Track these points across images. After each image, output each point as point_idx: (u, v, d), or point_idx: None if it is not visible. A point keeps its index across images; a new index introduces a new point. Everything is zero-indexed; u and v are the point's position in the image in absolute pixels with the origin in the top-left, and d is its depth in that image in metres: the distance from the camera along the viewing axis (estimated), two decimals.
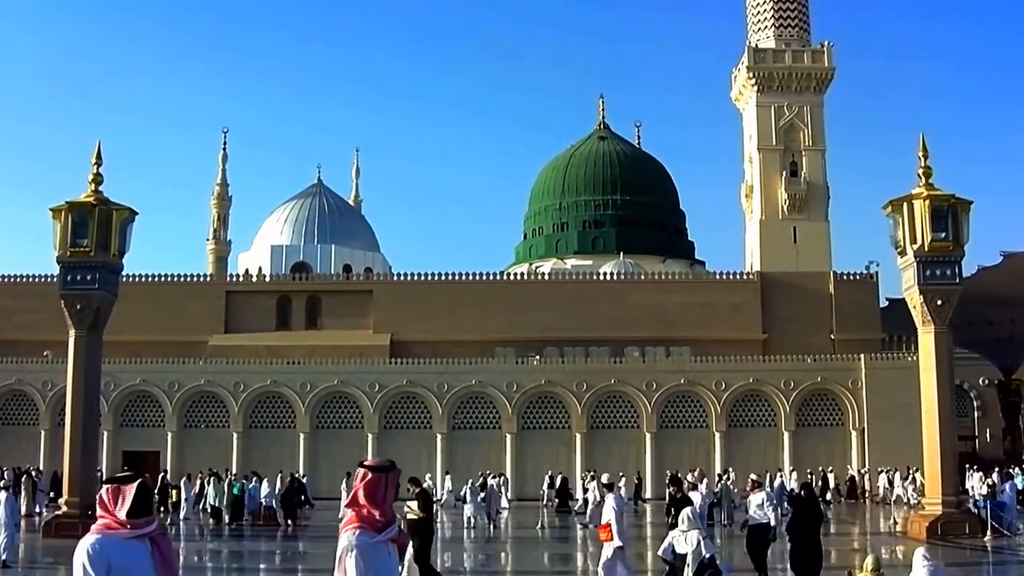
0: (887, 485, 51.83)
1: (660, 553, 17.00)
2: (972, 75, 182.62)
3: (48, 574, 24.93)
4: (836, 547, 30.37)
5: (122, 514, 5.63)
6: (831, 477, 53.53)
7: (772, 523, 19.55)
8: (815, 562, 18.17)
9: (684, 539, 15.73)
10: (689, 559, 15.50)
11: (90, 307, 30.51)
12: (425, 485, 21.75)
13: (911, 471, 48.88)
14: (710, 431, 58.09)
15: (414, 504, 18.92)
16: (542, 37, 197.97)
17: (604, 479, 21.22)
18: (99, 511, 5.73)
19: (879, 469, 53.61)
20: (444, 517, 39.26)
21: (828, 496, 49.72)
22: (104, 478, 6.23)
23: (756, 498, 19.68)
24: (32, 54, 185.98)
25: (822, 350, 62.94)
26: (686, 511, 16.37)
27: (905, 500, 48.26)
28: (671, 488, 24.88)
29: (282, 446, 57.19)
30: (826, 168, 75.33)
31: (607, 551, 17.13)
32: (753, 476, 21.10)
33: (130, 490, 5.69)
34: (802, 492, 19.90)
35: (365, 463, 6.20)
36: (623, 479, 44.35)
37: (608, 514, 17.47)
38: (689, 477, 37.48)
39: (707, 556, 15.33)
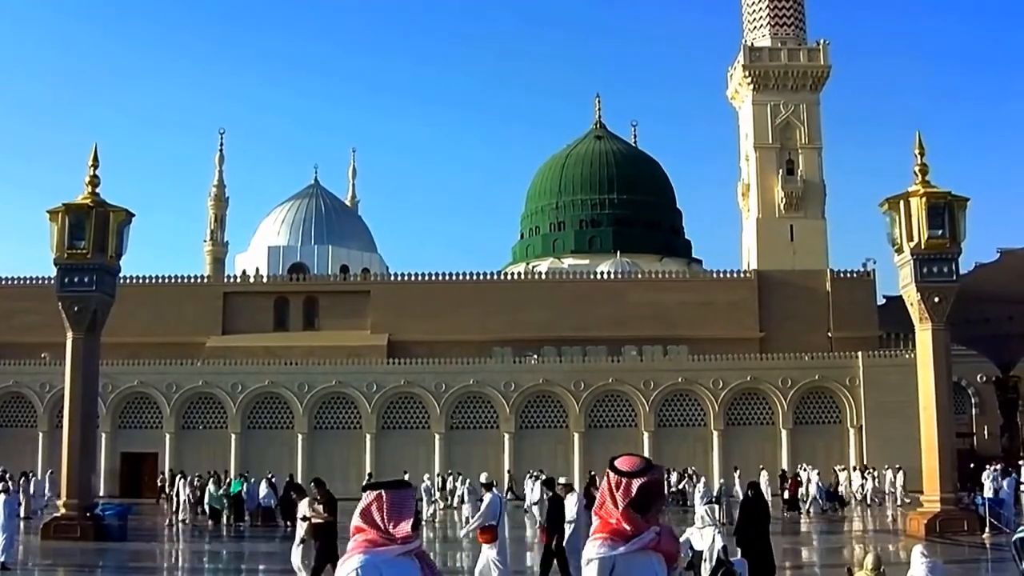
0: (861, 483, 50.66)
1: None
2: (968, 72, 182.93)
3: None
4: (835, 546, 30.49)
5: (404, 528, 4.93)
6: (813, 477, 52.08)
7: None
8: (767, 569, 17.27)
9: (701, 536, 15.83)
10: (706, 555, 15.60)
11: (87, 309, 30.49)
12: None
13: (871, 471, 48.65)
14: (708, 429, 58.14)
15: (319, 507, 18.68)
16: (538, 37, 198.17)
17: (483, 478, 19.97)
18: (359, 522, 4.99)
19: (838, 468, 52.70)
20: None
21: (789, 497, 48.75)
22: (365, 484, 5.01)
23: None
24: (28, 55, 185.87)
25: (819, 348, 63.02)
26: (702, 509, 16.40)
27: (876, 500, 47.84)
28: (544, 489, 23.71)
29: (280, 447, 57.21)
30: (822, 166, 75.40)
31: (489, 552, 16.78)
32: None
33: (410, 500, 5.04)
34: (749, 492, 18.68)
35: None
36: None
37: (483, 514, 17.10)
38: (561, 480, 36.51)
39: (719, 549, 15.40)
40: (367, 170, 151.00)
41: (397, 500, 4.96)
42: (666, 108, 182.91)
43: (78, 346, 30.53)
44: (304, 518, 18.61)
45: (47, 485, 44.91)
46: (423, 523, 36.64)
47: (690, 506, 48.52)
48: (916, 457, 32.88)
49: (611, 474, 5.27)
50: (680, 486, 51.12)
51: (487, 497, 17.52)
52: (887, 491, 49.19)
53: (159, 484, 52.71)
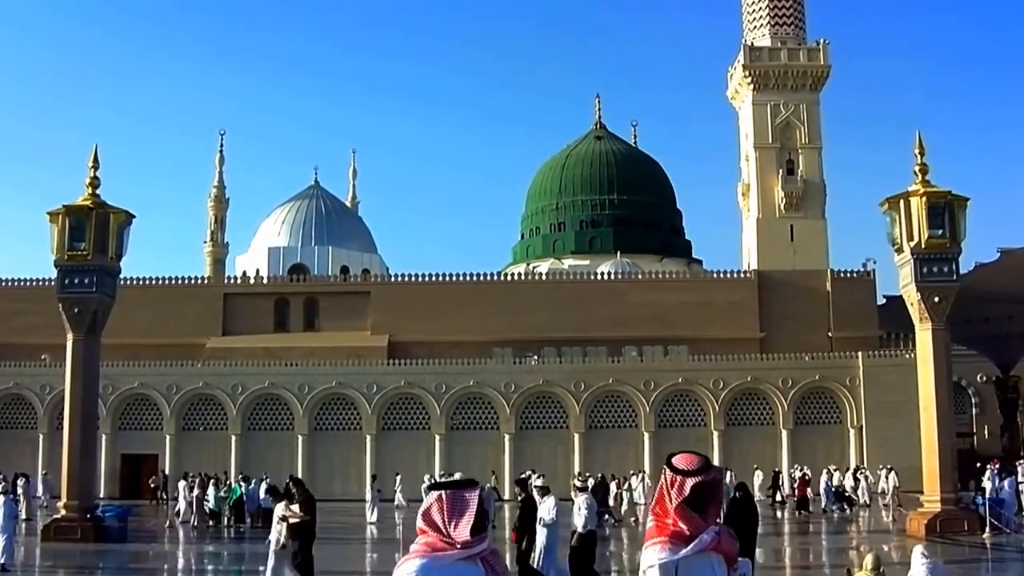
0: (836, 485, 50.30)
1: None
2: (969, 72, 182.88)
3: None
4: (832, 546, 30.48)
5: (464, 532, 4.62)
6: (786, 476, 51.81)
7: (591, 528, 17.98)
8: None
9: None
10: None
11: (88, 310, 30.49)
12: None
13: (862, 471, 48.49)
14: (708, 430, 58.12)
15: (296, 507, 18.56)
16: (538, 37, 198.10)
17: (456, 476, 19.65)
18: (421, 524, 4.71)
19: (832, 468, 52.66)
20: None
21: (779, 497, 48.82)
22: (430, 484, 4.64)
23: (580, 501, 18.06)
24: (28, 56, 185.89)
25: (820, 348, 63.04)
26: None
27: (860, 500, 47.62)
28: (516, 489, 23.29)
29: (280, 448, 57.23)
30: (823, 166, 75.36)
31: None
32: (576, 481, 19.81)
33: (472, 500, 4.70)
34: (737, 494, 18.11)
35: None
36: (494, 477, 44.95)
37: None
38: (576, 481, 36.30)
39: None
40: (367, 171, 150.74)
41: (458, 501, 4.68)
42: (666, 108, 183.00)
43: (78, 347, 30.53)
44: (282, 518, 18.50)
45: (40, 487, 44.97)
46: (491, 524, 36.37)
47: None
48: (916, 457, 32.86)
49: (667, 471, 5.09)
50: None
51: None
52: (879, 491, 48.93)
53: (151, 486, 52.62)
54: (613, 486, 40.72)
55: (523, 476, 20.18)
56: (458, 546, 4.60)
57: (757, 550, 18.28)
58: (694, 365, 59.40)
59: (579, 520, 17.48)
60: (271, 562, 18.66)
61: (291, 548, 18.35)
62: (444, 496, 4.69)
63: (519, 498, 20.12)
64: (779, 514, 44.24)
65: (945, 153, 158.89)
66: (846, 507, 45.06)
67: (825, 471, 47.72)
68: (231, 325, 67.63)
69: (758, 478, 50.40)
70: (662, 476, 5.09)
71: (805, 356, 59.94)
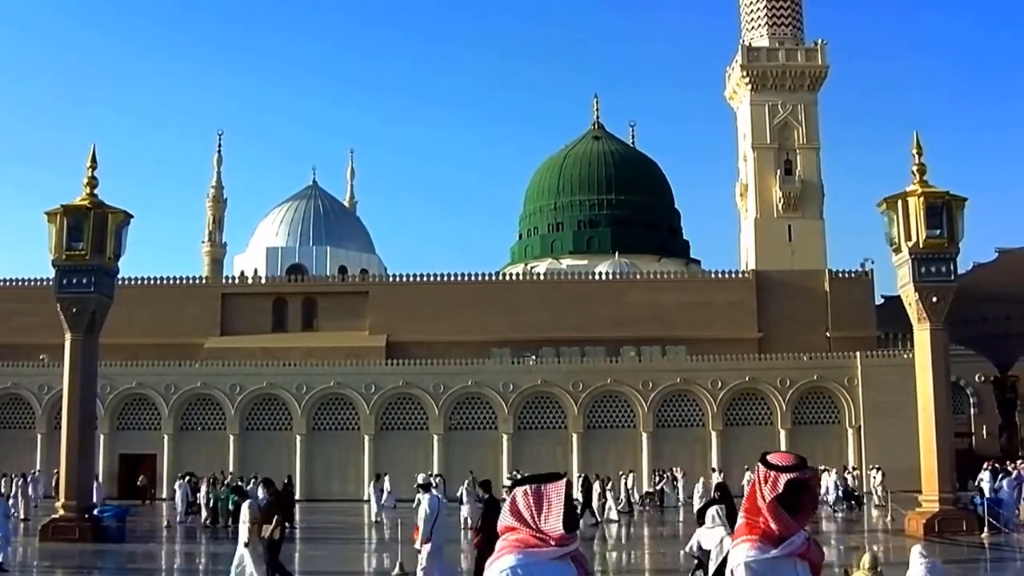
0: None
1: (687, 549, 17.18)
2: (966, 72, 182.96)
3: None
4: (831, 546, 30.43)
5: (557, 525, 4.38)
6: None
7: None
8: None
9: (710, 535, 15.99)
10: (713, 555, 15.74)
11: (86, 310, 30.48)
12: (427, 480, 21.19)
13: (846, 470, 48.44)
14: (707, 430, 58.13)
15: (271, 524, 18.50)
16: (536, 37, 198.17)
17: (420, 479, 19.41)
18: (509, 521, 4.49)
19: (821, 468, 52.78)
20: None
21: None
22: (517, 478, 4.43)
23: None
24: (26, 56, 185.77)
25: (818, 348, 63.06)
26: (712, 510, 16.45)
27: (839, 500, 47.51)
28: (479, 491, 22.99)
29: (279, 448, 57.18)
30: (820, 166, 75.34)
31: (424, 554, 16.72)
32: (508, 481, 19.56)
33: (558, 493, 4.46)
34: (716, 495, 17.79)
35: None
36: (439, 479, 44.85)
37: (419, 516, 16.93)
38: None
39: (727, 551, 15.51)
40: (365, 171, 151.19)
41: (548, 495, 4.44)
42: (664, 108, 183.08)
43: (76, 347, 30.52)
44: (268, 540, 18.41)
45: (30, 486, 44.88)
46: (579, 522, 36.22)
47: (667, 507, 48.40)
48: (914, 457, 32.88)
49: (761, 467, 4.81)
50: (659, 487, 51.20)
51: (424, 498, 17.15)
52: (869, 491, 48.77)
53: (139, 485, 52.35)
54: (597, 485, 40.68)
55: (486, 479, 20.12)
56: (552, 542, 4.39)
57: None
58: (692, 365, 59.39)
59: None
60: (247, 559, 18.59)
61: (259, 550, 18.40)
62: (532, 490, 4.45)
63: (482, 499, 20.16)
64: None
65: (943, 153, 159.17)
66: (855, 506, 45.05)
67: (827, 469, 47.40)
68: (229, 325, 67.60)
69: (747, 479, 50.36)
70: (755, 474, 4.85)
71: (803, 356, 59.94)
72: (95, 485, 43.80)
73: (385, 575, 21.16)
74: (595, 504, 39.21)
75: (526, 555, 4.36)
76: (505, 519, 4.50)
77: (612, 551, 31.13)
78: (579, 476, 43.60)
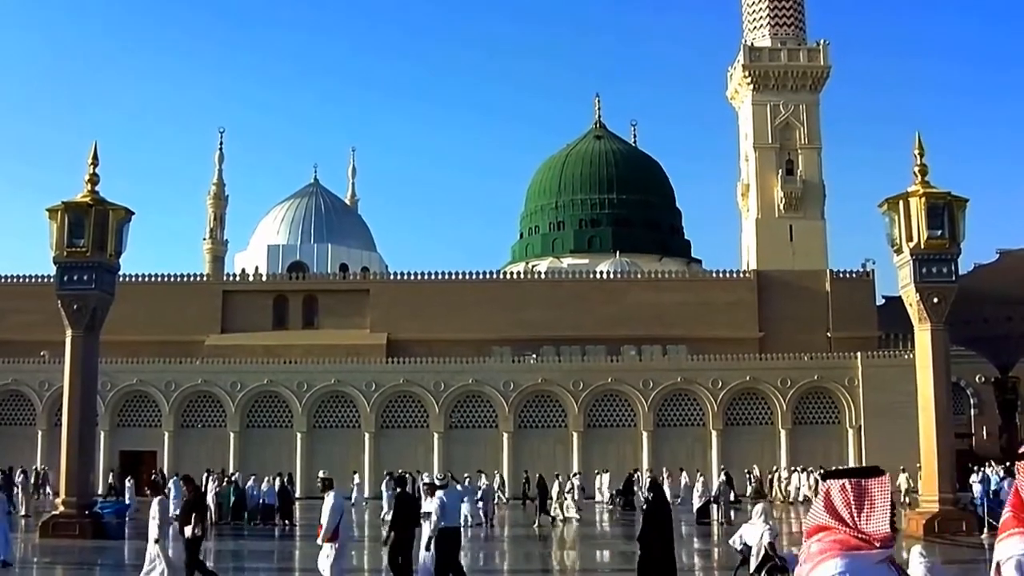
0: (798, 486, 49.93)
1: (731, 543, 17.39)
2: (968, 73, 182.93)
3: (45, 574, 24.87)
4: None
5: (882, 525, 4.08)
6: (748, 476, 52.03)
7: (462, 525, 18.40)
8: (668, 573, 16.60)
9: (752, 531, 16.17)
10: (755, 550, 16.04)
11: (87, 307, 30.49)
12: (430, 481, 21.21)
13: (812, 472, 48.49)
14: (707, 429, 58.15)
15: (189, 527, 18.22)
16: (538, 36, 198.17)
17: (323, 473, 19.18)
18: (823, 519, 4.15)
19: (791, 468, 52.86)
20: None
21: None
22: (826, 471, 4.12)
23: (435, 500, 18.23)
24: (27, 53, 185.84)
25: (819, 348, 63.04)
26: (759, 506, 16.65)
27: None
28: (393, 485, 22.70)
29: (279, 446, 57.23)
30: (822, 166, 75.42)
31: (326, 551, 16.56)
32: (437, 478, 19.60)
33: (881, 489, 4.13)
34: (651, 494, 17.44)
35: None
36: (357, 476, 45.96)
37: (323, 514, 16.74)
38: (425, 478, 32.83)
39: (767, 544, 15.83)
40: (366, 169, 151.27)
41: (870, 492, 4.11)
42: (666, 108, 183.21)
43: (77, 344, 30.54)
44: (188, 539, 18.11)
45: (31, 482, 44.91)
46: (489, 524, 36.60)
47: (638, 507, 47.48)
48: (915, 457, 32.91)
49: (837, 481, 4.33)
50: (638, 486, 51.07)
51: (328, 497, 16.92)
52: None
53: (110, 484, 51.61)
54: (556, 485, 41.02)
55: (400, 473, 20.12)
56: (876, 544, 4.07)
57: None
58: (693, 365, 59.40)
59: (433, 520, 17.80)
60: (159, 560, 18.48)
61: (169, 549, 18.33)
62: (851, 484, 4.11)
63: (395, 493, 20.28)
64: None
65: (945, 154, 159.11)
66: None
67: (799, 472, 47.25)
68: (230, 322, 67.62)
69: (793, 479, 50.38)
70: (1019, 474, 4.65)
71: (804, 356, 59.94)
72: (127, 484, 44.02)
73: (380, 572, 21.12)
74: (554, 502, 39.56)
75: (852, 559, 4.02)
76: (817, 517, 4.18)
77: (557, 549, 31.30)
78: (441, 475, 44.41)
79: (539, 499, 38.54)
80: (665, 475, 46.41)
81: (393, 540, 18.25)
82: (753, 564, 16.17)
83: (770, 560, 15.71)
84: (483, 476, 42.11)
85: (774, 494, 51.99)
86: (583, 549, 31.55)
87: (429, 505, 18.43)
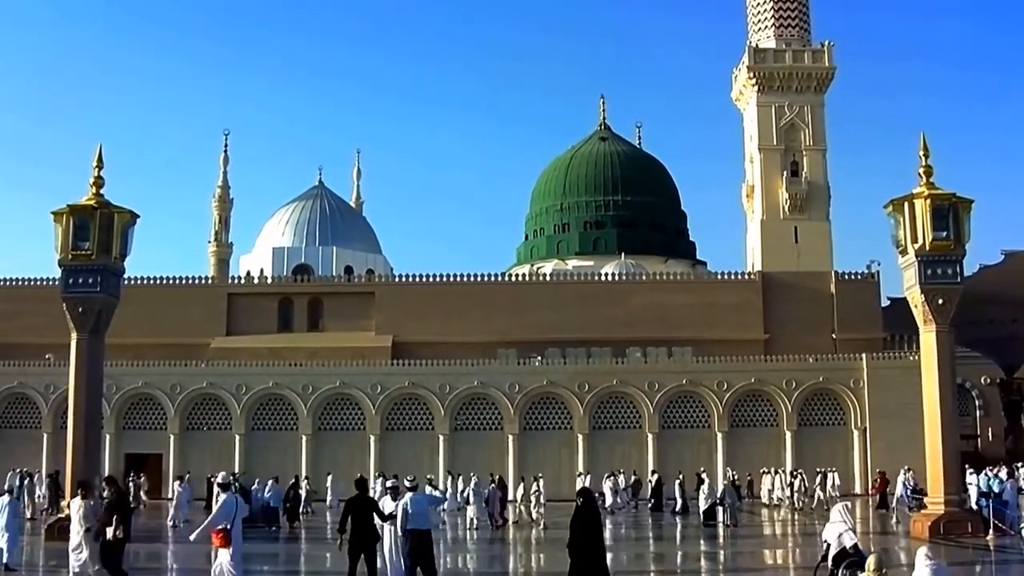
0: (770, 487, 49.69)
1: (821, 540, 17.60)
2: (973, 74, 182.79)
3: None
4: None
5: None
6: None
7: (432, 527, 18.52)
8: None
9: (831, 530, 16.41)
10: (832, 548, 16.22)
11: (92, 310, 30.53)
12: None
13: (793, 474, 48.37)
14: (712, 431, 58.09)
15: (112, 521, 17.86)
16: (543, 38, 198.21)
17: (219, 478, 18.96)
18: None
19: (762, 471, 52.72)
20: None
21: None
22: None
23: (403, 502, 18.33)
24: (32, 56, 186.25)
25: (824, 350, 62.94)
26: (838, 506, 16.74)
27: (789, 503, 47.04)
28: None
29: (284, 448, 57.24)
30: (827, 168, 75.34)
31: (223, 556, 16.13)
32: (407, 480, 19.54)
33: None
34: (579, 500, 17.01)
35: None
36: (307, 479, 46.23)
37: (220, 517, 16.36)
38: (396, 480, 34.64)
39: (849, 546, 15.95)
40: (371, 171, 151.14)
41: None
42: (671, 110, 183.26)
43: (82, 347, 30.57)
44: (110, 541, 17.67)
45: (36, 486, 44.90)
46: (496, 522, 36.87)
47: (608, 510, 46.53)
48: (920, 459, 32.84)
49: None
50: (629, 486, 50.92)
51: (222, 498, 16.56)
52: (824, 494, 47.94)
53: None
54: (521, 488, 41.02)
55: (360, 477, 20.11)
56: None
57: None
58: (698, 366, 59.34)
59: (399, 522, 17.92)
60: (89, 566, 18.34)
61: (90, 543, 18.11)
62: None
63: (384, 493, 20.70)
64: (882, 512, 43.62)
65: (950, 155, 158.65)
66: (915, 506, 44.56)
67: (903, 470, 46.67)
68: (235, 325, 67.67)
69: (766, 481, 50.28)
70: None
71: (809, 358, 59.86)
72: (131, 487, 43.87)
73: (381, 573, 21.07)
74: (519, 504, 39.80)
75: None
76: None
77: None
78: (409, 478, 45.18)
79: (501, 500, 38.67)
80: (693, 476, 46.31)
81: (349, 543, 17.90)
82: (830, 559, 16.35)
83: (847, 557, 15.88)
84: (492, 478, 41.97)
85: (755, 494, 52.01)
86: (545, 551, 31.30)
87: (391, 507, 18.49)
